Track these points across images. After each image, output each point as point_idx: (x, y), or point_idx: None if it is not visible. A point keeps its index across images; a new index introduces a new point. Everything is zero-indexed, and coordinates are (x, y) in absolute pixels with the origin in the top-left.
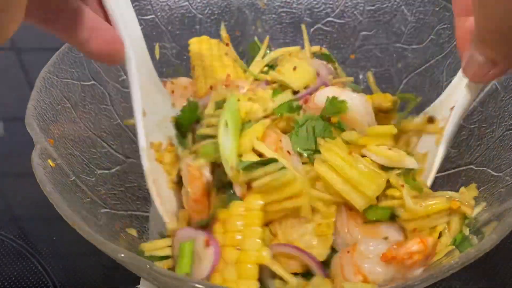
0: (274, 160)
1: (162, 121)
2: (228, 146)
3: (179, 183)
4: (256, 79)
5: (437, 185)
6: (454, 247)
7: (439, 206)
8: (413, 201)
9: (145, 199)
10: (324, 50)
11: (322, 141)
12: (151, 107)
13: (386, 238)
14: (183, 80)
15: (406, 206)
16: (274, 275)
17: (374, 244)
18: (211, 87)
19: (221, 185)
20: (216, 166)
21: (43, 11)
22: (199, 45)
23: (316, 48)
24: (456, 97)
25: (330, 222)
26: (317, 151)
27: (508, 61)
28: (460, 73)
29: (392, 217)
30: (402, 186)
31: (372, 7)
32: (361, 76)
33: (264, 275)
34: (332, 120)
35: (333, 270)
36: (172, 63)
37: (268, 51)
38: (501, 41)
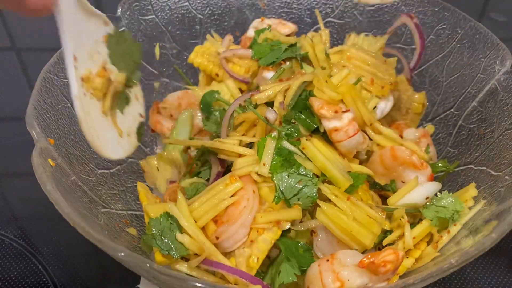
0: None
1: (93, 49)
2: None
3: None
4: None
5: None
6: (439, 253)
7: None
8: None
9: None
10: None
11: (325, 188)
12: (82, 42)
13: None
14: (172, 99)
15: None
16: None
17: (351, 254)
18: None
19: None
20: None
21: None
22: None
23: None
24: None
25: None
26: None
27: None
28: None
29: None
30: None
31: (372, 7)
32: None
33: None
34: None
35: (310, 276)
36: (172, 63)
37: None
38: None
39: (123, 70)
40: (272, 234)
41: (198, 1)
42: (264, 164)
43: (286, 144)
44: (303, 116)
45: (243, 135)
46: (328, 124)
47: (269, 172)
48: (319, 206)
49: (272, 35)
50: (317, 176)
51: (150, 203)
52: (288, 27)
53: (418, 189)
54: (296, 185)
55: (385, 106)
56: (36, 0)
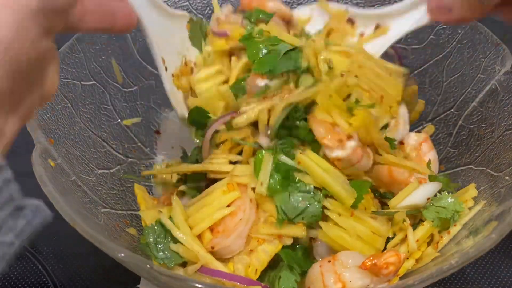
0: None
1: (181, 47)
2: None
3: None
4: None
5: None
6: (439, 254)
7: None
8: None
9: None
10: None
11: (328, 204)
12: (169, 44)
13: None
14: None
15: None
16: None
17: (353, 255)
18: None
19: None
20: None
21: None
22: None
23: None
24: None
25: None
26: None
27: (462, 16)
28: None
29: None
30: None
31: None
32: None
33: None
34: None
35: (311, 277)
36: None
37: None
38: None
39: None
40: (273, 246)
41: (198, 0)
42: (261, 184)
43: (284, 159)
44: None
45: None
46: (330, 153)
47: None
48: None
49: (270, 28)
50: (320, 189)
51: (147, 207)
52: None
53: (419, 190)
54: (300, 205)
55: (403, 128)
56: (123, 21)
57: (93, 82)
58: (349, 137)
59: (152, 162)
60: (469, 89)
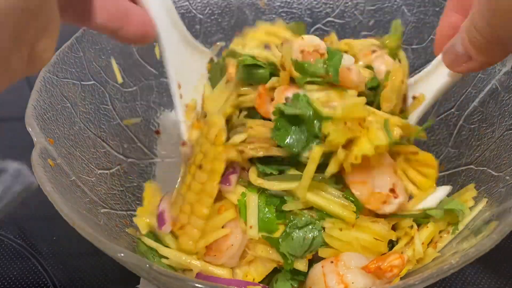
0: None
1: (199, 82)
2: None
3: None
4: None
5: (438, 185)
6: (439, 254)
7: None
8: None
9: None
10: None
11: (328, 223)
12: (186, 73)
13: None
14: None
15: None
16: None
17: (356, 257)
18: None
19: None
20: None
21: (75, 8)
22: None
23: None
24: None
25: None
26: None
27: (484, 61)
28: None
29: None
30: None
31: (372, 7)
32: None
33: None
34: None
35: (312, 277)
36: None
37: None
38: (488, 46)
39: None
40: (272, 263)
41: (198, 0)
42: (251, 227)
43: (274, 192)
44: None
45: None
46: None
47: (263, 232)
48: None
49: None
50: (315, 212)
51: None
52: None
53: (433, 195)
54: (305, 242)
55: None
56: (137, 27)
57: (93, 82)
58: (392, 191)
59: (152, 162)
60: (469, 89)
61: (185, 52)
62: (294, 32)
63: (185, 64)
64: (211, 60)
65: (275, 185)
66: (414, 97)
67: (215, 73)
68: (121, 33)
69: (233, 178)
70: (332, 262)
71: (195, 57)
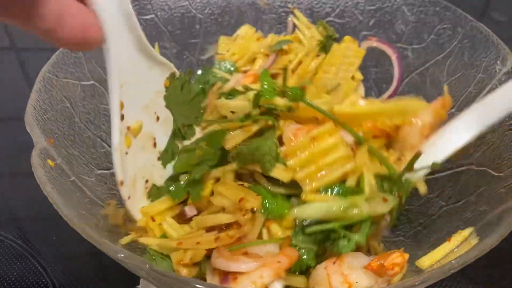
0: None
1: (152, 101)
2: None
3: None
4: None
5: (438, 185)
6: None
7: None
8: None
9: None
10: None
11: None
12: (137, 90)
13: None
14: None
15: None
16: None
17: (358, 256)
18: None
19: None
20: None
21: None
22: None
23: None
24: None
25: None
26: None
27: None
28: None
29: None
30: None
31: (372, 7)
32: None
33: None
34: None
35: (315, 278)
36: (172, 63)
37: None
38: None
39: (179, 119)
40: None
41: (198, 0)
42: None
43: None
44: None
45: None
46: None
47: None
48: None
49: None
50: None
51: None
52: None
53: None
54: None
55: None
56: (72, 33)
57: (93, 82)
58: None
59: None
60: (469, 89)
61: (140, 65)
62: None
63: (136, 78)
64: (172, 76)
65: None
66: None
67: (174, 90)
68: (55, 36)
69: None
70: (334, 263)
71: (152, 72)
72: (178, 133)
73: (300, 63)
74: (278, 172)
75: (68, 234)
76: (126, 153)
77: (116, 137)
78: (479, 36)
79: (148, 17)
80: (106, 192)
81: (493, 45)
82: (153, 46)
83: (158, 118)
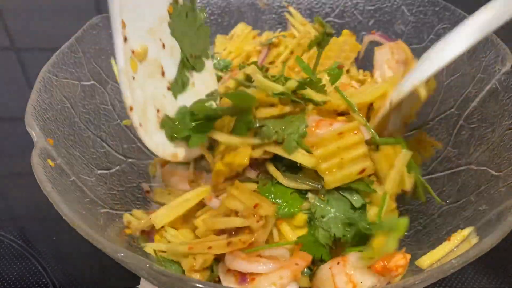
0: None
1: (156, 26)
2: None
3: None
4: None
5: (438, 185)
6: None
7: None
8: None
9: (145, 199)
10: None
11: None
12: (139, 13)
13: None
14: None
15: None
16: None
17: (361, 256)
18: None
19: None
20: None
21: None
22: None
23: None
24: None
25: None
26: None
27: None
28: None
29: None
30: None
31: (372, 7)
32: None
33: None
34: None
35: (319, 278)
36: None
37: None
38: None
39: (187, 49)
40: None
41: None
42: None
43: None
44: None
45: None
46: None
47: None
48: None
49: None
50: None
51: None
52: None
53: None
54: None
55: None
56: None
57: (93, 82)
58: None
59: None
60: (469, 88)
61: None
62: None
63: (140, 2)
64: (175, 1)
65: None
66: None
67: (179, 17)
68: None
69: None
70: (338, 263)
71: None
72: (187, 63)
73: (291, 54)
74: (301, 157)
75: (68, 234)
76: (133, 77)
77: (121, 58)
78: None
79: None
80: (106, 192)
81: (493, 45)
82: None
83: (164, 46)
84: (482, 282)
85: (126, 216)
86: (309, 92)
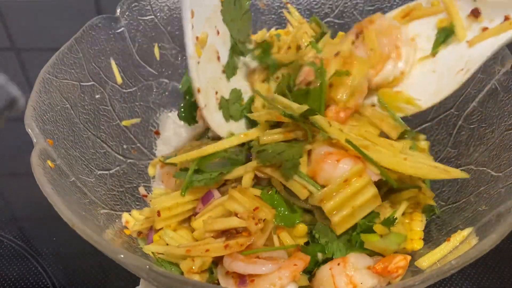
0: None
1: (212, 14)
2: None
3: None
4: None
5: (437, 184)
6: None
7: None
8: None
9: (144, 199)
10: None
11: None
12: (200, 3)
13: None
14: None
15: None
16: None
17: (362, 258)
18: None
19: None
20: None
21: None
22: None
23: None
24: None
25: None
26: None
27: None
28: None
29: None
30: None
31: (372, 7)
32: None
33: None
34: None
35: (319, 279)
36: (172, 64)
37: None
38: None
39: (235, 34)
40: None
41: None
42: None
43: None
44: None
45: None
46: None
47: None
48: None
49: None
50: None
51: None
52: None
53: None
54: None
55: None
56: None
57: (92, 82)
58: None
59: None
60: (469, 89)
61: None
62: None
63: None
64: None
65: None
66: (507, 18)
67: (229, 5)
68: None
69: None
70: (338, 264)
71: None
72: (236, 48)
73: (288, 49)
74: (296, 187)
75: (68, 234)
76: (198, 62)
77: (191, 45)
78: None
79: (147, 18)
80: (105, 193)
81: None
82: (153, 47)
83: (218, 32)
84: (482, 282)
85: (125, 216)
86: (319, 121)
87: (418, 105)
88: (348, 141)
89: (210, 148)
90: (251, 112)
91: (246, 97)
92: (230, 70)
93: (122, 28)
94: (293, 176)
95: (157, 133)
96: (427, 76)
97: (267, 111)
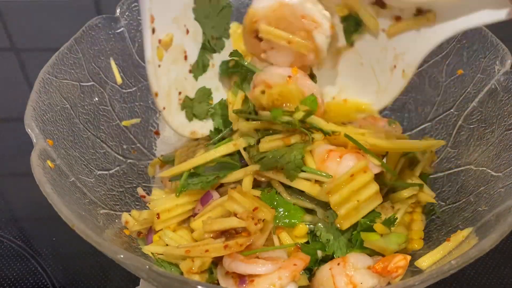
0: None
1: (181, 14)
2: None
3: None
4: None
5: (437, 184)
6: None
7: None
8: None
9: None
10: None
11: None
12: (164, 5)
13: None
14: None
15: None
16: None
17: (362, 258)
18: None
19: None
20: None
21: None
22: None
23: None
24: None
25: None
26: None
27: None
28: None
29: None
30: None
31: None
32: None
33: None
34: None
35: (319, 279)
36: None
37: None
38: None
39: (209, 31)
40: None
41: None
42: None
43: None
44: None
45: None
46: None
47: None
48: None
49: None
50: None
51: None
52: None
53: None
54: None
55: None
56: None
57: (92, 83)
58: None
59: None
60: (468, 89)
61: None
62: None
63: None
64: None
65: None
66: (419, 11)
67: (203, 2)
68: None
69: None
70: (338, 264)
71: None
72: (207, 46)
73: None
74: (304, 185)
75: (68, 234)
76: (159, 65)
77: (148, 50)
78: (477, 36)
79: None
80: (105, 193)
81: (492, 45)
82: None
83: (188, 31)
84: (482, 282)
85: (125, 216)
86: (317, 121)
87: (369, 110)
88: (346, 135)
89: (200, 159)
90: (222, 112)
91: (218, 95)
92: (199, 69)
93: (122, 28)
94: (299, 175)
95: (157, 133)
96: (358, 70)
97: (257, 123)
